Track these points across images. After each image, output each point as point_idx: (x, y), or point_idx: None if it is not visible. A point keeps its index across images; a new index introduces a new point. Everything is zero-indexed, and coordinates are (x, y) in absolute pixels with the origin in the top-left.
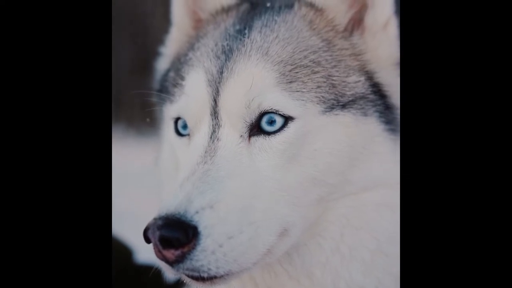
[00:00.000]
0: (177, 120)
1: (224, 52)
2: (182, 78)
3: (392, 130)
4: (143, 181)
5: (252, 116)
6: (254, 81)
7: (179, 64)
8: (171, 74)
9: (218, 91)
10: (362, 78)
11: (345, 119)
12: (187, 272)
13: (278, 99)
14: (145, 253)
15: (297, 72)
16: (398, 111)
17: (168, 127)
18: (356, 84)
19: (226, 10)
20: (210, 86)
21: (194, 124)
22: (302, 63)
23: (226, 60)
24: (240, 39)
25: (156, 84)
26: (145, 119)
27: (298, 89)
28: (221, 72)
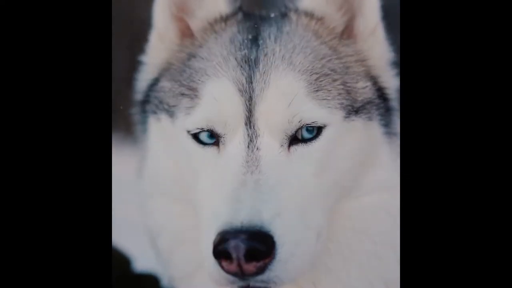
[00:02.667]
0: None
1: (245, 61)
2: (193, 89)
3: (388, 134)
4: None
5: (292, 129)
6: (289, 92)
7: (178, 74)
8: (165, 84)
9: (251, 101)
10: (369, 83)
11: (357, 124)
12: (258, 284)
13: (316, 111)
14: (143, 262)
15: (321, 81)
16: (395, 113)
17: (179, 138)
18: (364, 90)
19: (224, 19)
20: (242, 95)
21: (226, 133)
22: (323, 71)
23: (251, 69)
24: (257, 49)
25: (138, 95)
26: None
27: (324, 97)
28: (251, 82)
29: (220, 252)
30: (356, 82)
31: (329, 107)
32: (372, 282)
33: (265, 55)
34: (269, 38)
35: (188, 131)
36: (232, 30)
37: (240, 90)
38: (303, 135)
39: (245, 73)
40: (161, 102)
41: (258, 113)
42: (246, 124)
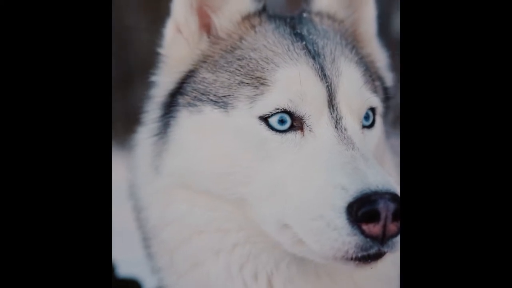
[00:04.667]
0: (267, 117)
1: (309, 51)
2: (257, 77)
3: (386, 132)
4: (124, 195)
5: (364, 113)
6: (356, 79)
7: (224, 65)
8: (206, 75)
9: (331, 86)
10: (379, 83)
11: (378, 119)
12: (388, 249)
13: (374, 97)
14: (126, 268)
15: (365, 74)
16: (390, 112)
17: (240, 128)
18: (378, 88)
19: (257, 13)
20: (321, 80)
21: (310, 115)
22: (363, 66)
23: (318, 59)
24: (308, 42)
25: (161, 89)
26: (129, 132)
27: (370, 88)
28: (323, 69)
29: (366, 213)
30: (374, 81)
31: (376, 97)
32: (373, 277)
33: (322, 47)
34: (312, 33)
35: (261, 116)
36: (271, 24)
37: (319, 76)
38: (363, 121)
39: (315, 61)
40: (204, 93)
41: (339, 96)
42: (329, 107)
